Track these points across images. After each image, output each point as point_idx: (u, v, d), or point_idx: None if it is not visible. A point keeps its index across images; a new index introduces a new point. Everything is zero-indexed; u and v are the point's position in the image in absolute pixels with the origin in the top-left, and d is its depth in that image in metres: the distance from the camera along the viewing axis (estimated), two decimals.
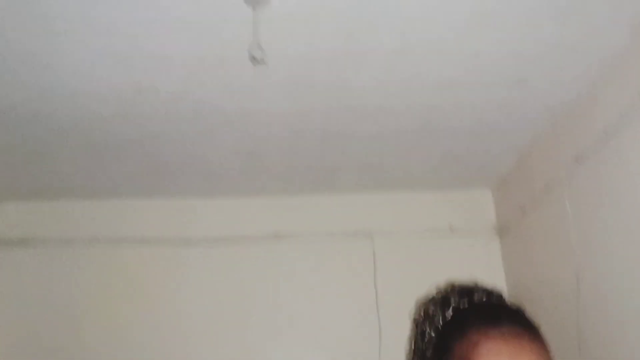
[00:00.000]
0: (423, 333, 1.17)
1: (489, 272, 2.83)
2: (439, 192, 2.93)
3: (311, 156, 2.53)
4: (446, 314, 1.14)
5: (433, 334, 1.14)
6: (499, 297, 1.18)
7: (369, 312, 2.75)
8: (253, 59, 1.53)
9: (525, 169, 2.60)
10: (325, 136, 2.36)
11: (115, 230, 2.86)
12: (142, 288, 2.79)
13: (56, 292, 2.77)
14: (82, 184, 2.74)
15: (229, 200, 2.92)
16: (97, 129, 2.25)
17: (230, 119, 2.20)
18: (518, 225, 2.69)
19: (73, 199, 2.87)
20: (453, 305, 1.15)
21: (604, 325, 2.00)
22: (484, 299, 1.16)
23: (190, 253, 2.84)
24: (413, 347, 1.20)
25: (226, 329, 2.73)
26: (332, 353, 2.69)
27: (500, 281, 2.82)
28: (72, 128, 2.23)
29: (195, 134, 2.31)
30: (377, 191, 2.92)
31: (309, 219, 2.91)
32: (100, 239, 2.84)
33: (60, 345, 2.68)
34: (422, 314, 1.19)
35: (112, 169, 2.59)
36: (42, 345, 2.69)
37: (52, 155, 2.45)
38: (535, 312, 2.45)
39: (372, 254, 2.84)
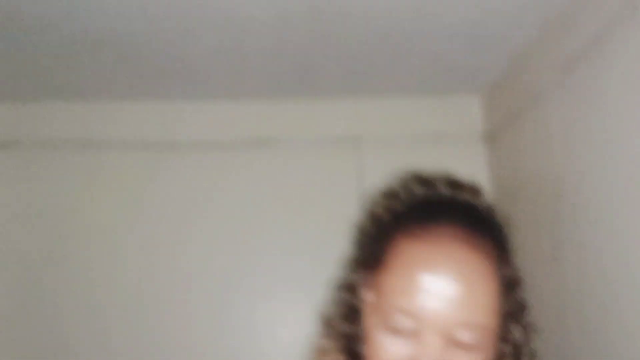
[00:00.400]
0: (363, 228, 0.97)
1: (475, 179, 2.85)
2: (426, 98, 2.90)
3: (296, 59, 2.46)
4: (391, 208, 0.91)
5: (371, 231, 0.94)
6: (472, 192, 0.93)
7: (352, 219, 2.78)
8: None
9: (515, 76, 2.56)
10: (310, 38, 2.28)
11: (98, 133, 2.82)
12: (124, 191, 2.79)
13: (38, 195, 2.77)
14: (63, 85, 2.67)
15: (213, 104, 2.87)
16: (75, 26, 2.16)
17: (213, 17, 2.12)
18: (504, 133, 2.69)
19: (55, 101, 2.81)
20: (401, 197, 0.91)
21: (580, 232, 2.04)
22: (445, 193, 0.90)
23: (172, 157, 2.83)
24: (353, 245, 0.98)
25: (208, 232, 2.76)
26: (314, 261, 2.74)
27: (485, 187, 2.84)
28: (48, 25, 2.14)
29: (177, 33, 2.23)
30: (364, 97, 2.88)
31: (293, 125, 2.88)
32: (82, 142, 2.81)
33: (41, 250, 2.71)
34: (368, 206, 0.95)
35: (92, 70, 2.52)
36: (24, 251, 2.72)
37: (31, 54, 2.36)
38: (517, 215, 2.49)
39: (358, 161, 2.84)
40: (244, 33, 2.24)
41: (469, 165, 2.86)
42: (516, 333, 0.88)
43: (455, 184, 0.92)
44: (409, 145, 2.86)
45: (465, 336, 0.75)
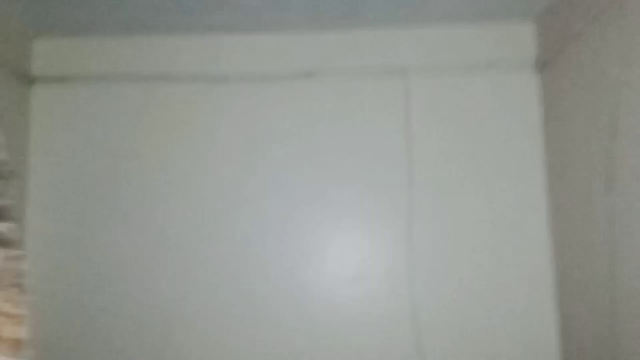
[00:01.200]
0: None
1: (526, 108, 2.78)
2: (476, 25, 2.80)
3: None
4: None
5: None
6: None
7: (399, 152, 2.77)
8: None
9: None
10: None
11: (149, 67, 2.87)
12: (175, 124, 2.84)
13: (93, 128, 2.86)
14: (115, 20, 2.71)
15: (261, 37, 2.86)
16: None
17: None
18: (559, 59, 2.58)
19: (108, 35, 2.86)
20: None
21: (636, 163, 1.97)
22: None
23: (222, 90, 2.85)
24: None
25: (255, 164, 2.80)
26: (360, 193, 2.76)
27: (536, 117, 2.77)
28: None
29: None
30: (412, 25, 2.80)
31: (341, 56, 2.84)
32: (134, 76, 2.86)
33: (97, 180, 2.82)
34: None
35: (143, 4, 2.54)
36: (80, 181, 2.83)
37: None
38: (569, 146, 2.43)
39: (406, 92, 2.80)
40: None
41: (520, 93, 2.79)
42: None
43: None
44: (458, 75, 2.80)
45: None
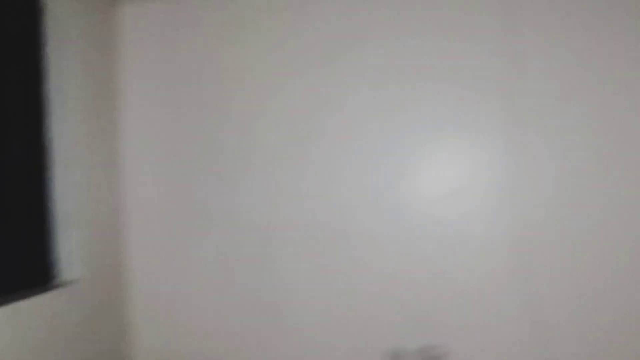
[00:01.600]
0: None
1: None
2: None
3: None
4: None
5: None
6: None
7: (501, 55, 2.56)
8: None
9: None
10: None
11: None
12: (261, 34, 2.78)
13: (180, 41, 2.84)
14: None
15: None
16: None
17: None
18: None
19: None
20: None
21: None
22: None
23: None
24: None
25: (343, 75, 2.70)
26: (458, 103, 2.59)
27: None
28: None
29: None
30: None
31: None
32: None
33: (190, 98, 2.83)
34: None
35: None
36: (173, 101, 2.84)
37: None
38: None
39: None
40: None
41: None
42: None
43: None
44: None
45: None
